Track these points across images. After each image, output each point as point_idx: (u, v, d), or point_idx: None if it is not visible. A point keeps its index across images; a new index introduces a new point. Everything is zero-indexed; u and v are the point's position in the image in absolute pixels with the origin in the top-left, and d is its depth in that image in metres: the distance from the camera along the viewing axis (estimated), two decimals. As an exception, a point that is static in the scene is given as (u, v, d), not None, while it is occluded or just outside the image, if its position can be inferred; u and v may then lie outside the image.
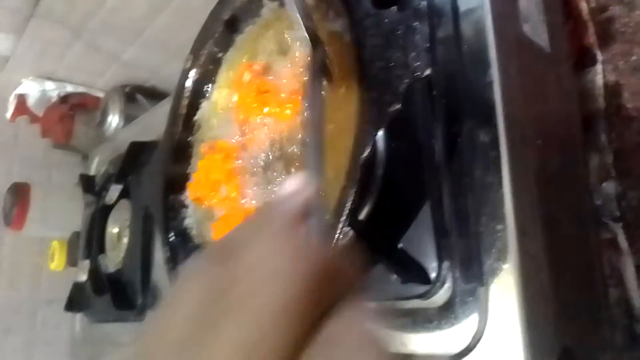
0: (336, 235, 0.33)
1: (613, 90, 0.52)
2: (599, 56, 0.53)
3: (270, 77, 0.44)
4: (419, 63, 0.29)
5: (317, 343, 0.14)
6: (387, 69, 0.31)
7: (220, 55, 0.53)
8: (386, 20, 0.32)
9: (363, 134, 0.32)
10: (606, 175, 0.50)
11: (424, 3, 0.29)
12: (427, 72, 0.29)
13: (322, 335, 0.15)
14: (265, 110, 0.42)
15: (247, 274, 0.15)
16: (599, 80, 0.53)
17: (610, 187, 0.49)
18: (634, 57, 0.51)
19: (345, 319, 0.15)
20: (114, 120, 1.06)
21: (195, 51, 0.53)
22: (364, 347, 0.15)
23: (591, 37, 0.54)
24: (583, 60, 0.54)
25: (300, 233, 0.17)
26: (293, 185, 0.21)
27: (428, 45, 0.29)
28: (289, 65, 0.43)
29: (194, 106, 0.54)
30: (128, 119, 1.04)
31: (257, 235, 0.17)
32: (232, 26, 0.51)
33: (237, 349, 0.14)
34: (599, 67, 0.53)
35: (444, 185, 0.41)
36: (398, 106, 0.30)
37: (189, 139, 0.54)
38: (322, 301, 0.15)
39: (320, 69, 0.34)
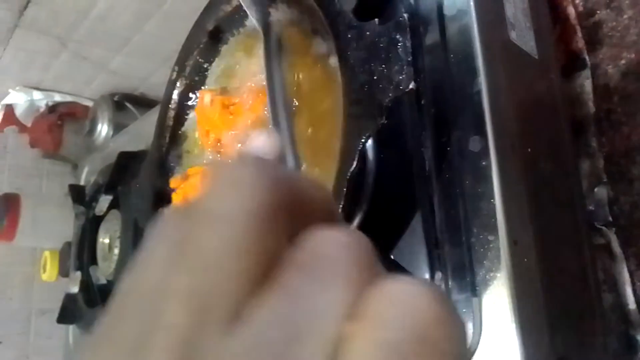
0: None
1: (603, 95, 0.52)
2: (588, 61, 0.53)
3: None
4: (402, 77, 0.29)
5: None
6: (371, 83, 0.31)
7: (206, 65, 0.52)
8: (368, 32, 0.31)
9: (349, 149, 0.31)
10: (598, 180, 0.50)
11: (406, 15, 0.29)
12: (411, 85, 0.28)
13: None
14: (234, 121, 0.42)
15: (202, 218, 0.14)
16: (588, 85, 0.52)
17: (602, 192, 0.49)
18: (622, 61, 0.51)
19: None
20: (103, 129, 1.05)
21: (181, 62, 0.52)
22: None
23: (579, 42, 0.53)
24: (572, 65, 0.53)
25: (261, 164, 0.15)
26: (260, 140, 0.18)
27: (411, 58, 0.28)
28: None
29: (180, 118, 0.53)
30: (117, 127, 1.03)
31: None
32: (217, 37, 0.51)
33: (185, 303, 0.12)
34: (587, 72, 0.53)
35: (435, 196, 0.40)
36: (383, 120, 0.30)
37: (176, 151, 0.53)
38: (281, 234, 0.14)
39: (276, 49, 0.34)
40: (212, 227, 0.13)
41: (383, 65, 0.30)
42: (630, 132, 0.49)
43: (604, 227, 0.48)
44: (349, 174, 0.31)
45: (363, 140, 0.30)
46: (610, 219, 0.48)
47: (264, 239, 0.13)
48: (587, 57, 0.52)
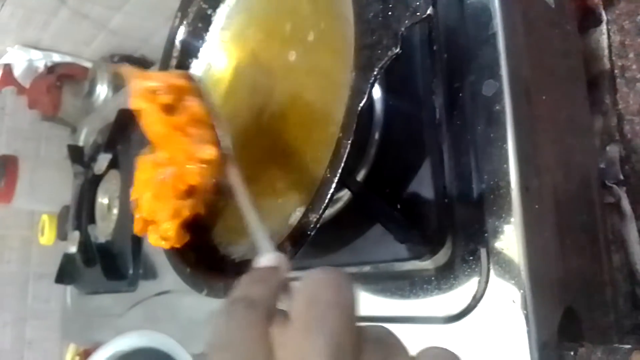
0: (331, 192, 0.31)
1: (618, 51, 0.50)
2: (604, 16, 0.51)
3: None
4: (419, 2, 0.27)
5: None
6: (386, 11, 0.29)
7: (209, 12, 0.50)
8: (384, -43, 0.30)
9: (360, 81, 0.30)
10: (610, 138, 0.48)
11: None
12: (429, 11, 0.27)
13: None
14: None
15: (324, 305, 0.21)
16: (604, 40, 0.51)
17: (614, 150, 0.48)
18: (639, 17, 0.50)
19: None
20: (102, 91, 1.03)
21: (183, 7, 0.51)
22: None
23: (596, -4, 0.52)
24: (588, 20, 0.52)
25: None
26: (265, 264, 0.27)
27: (430, -18, 0.27)
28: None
29: (183, 66, 0.51)
30: (117, 89, 1.01)
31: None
32: (223, -19, 0.49)
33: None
34: (603, 28, 0.51)
35: (445, 143, 0.39)
36: (397, 50, 0.28)
37: (178, 101, 0.52)
38: None
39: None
40: (334, 311, 0.21)
41: (399, -8, 0.28)
42: (645, 89, 0.48)
43: (614, 186, 0.47)
44: (359, 109, 0.30)
45: (375, 72, 0.29)
46: (621, 177, 0.47)
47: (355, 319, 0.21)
48: (603, 13, 0.51)
